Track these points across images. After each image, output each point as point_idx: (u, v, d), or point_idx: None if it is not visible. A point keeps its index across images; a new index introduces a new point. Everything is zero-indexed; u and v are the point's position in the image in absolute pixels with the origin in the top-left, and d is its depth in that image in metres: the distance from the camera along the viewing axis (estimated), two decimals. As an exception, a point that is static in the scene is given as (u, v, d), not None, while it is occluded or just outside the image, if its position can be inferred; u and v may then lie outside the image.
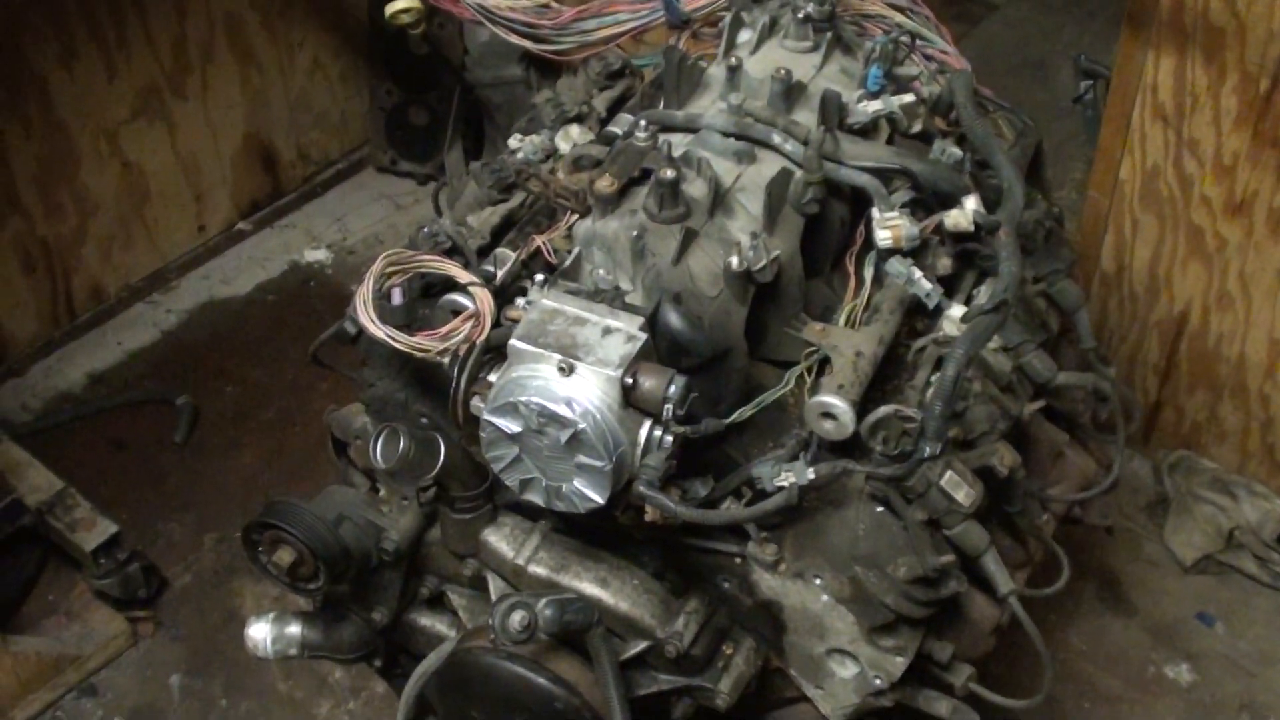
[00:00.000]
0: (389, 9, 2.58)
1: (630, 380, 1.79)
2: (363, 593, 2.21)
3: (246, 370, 3.79)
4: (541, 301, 1.89)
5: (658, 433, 1.83)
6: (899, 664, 2.00)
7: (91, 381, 3.77)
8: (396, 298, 1.97)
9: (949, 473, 1.92)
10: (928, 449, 1.89)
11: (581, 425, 1.78)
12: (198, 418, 3.64)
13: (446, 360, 1.92)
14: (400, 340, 1.89)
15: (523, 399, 1.80)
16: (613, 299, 1.90)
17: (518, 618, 1.87)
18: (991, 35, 5.02)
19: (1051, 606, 3.07)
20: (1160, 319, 3.28)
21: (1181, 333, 3.26)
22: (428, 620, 2.26)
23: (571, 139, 2.33)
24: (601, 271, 1.97)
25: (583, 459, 1.82)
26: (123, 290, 3.98)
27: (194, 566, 3.30)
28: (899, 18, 2.50)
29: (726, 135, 2.12)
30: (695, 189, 1.99)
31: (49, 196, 3.68)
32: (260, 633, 2.26)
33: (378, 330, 1.89)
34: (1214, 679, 3.06)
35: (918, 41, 2.44)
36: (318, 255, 4.17)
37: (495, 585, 2.13)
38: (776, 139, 2.11)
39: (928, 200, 2.14)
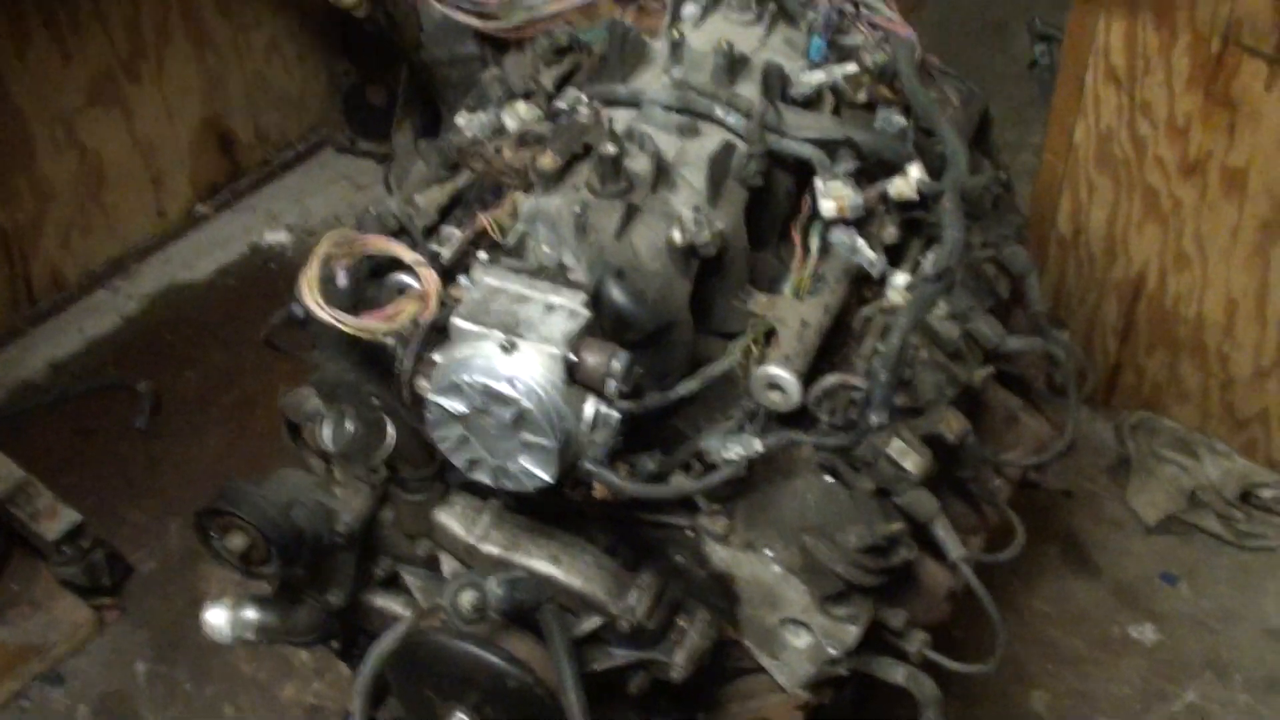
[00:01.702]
0: (331, -10, 2.57)
1: (574, 357, 1.79)
2: (318, 575, 2.21)
3: (208, 354, 3.78)
4: (484, 280, 1.89)
5: (603, 409, 1.83)
6: (852, 632, 2.01)
7: (53, 369, 3.76)
8: (341, 279, 1.96)
9: (896, 441, 1.92)
10: (874, 418, 1.90)
11: (526, 404, 1.78)
12: (160, 403, 3.63)
13: (393, 341, 1.92)
14: (346, 322, 1.88)
15: (466, 378, 1.80)
16: (555, 276, 1.90)
17: (468, 597, 1.87)
18: (952, 1, 5.00)
19: (1014, 570, 3.08)
20: (1118, 280, 3.29)
21: (1139, 294, 3.28)
22: (383, 601, 2.26)
23: (518, 116, 2.30)
24: (545, 248, 1.96)
25: (528, 437, 1.82)
26: (83, 277, 3.96)
27: (158, 552, 3.30)
28: (844, -14, 2.49)
29: (669, 109, 2.11)
30: (637, 164, 1.99)
31: (5, 184, 3.66)
32: (217, 618, 2.25)
33: (323, 313, 1.88)
34: (1178, 638, 3.09)
35: (863, 10, 2.43)
36: (278, 237, 4.16)
37: (448, 565, 2.13)
38: (719, 112, 2.10)
39: (872, 169, 2.13)
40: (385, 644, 2.10)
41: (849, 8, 2.39)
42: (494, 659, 1.96)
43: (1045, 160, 3.29)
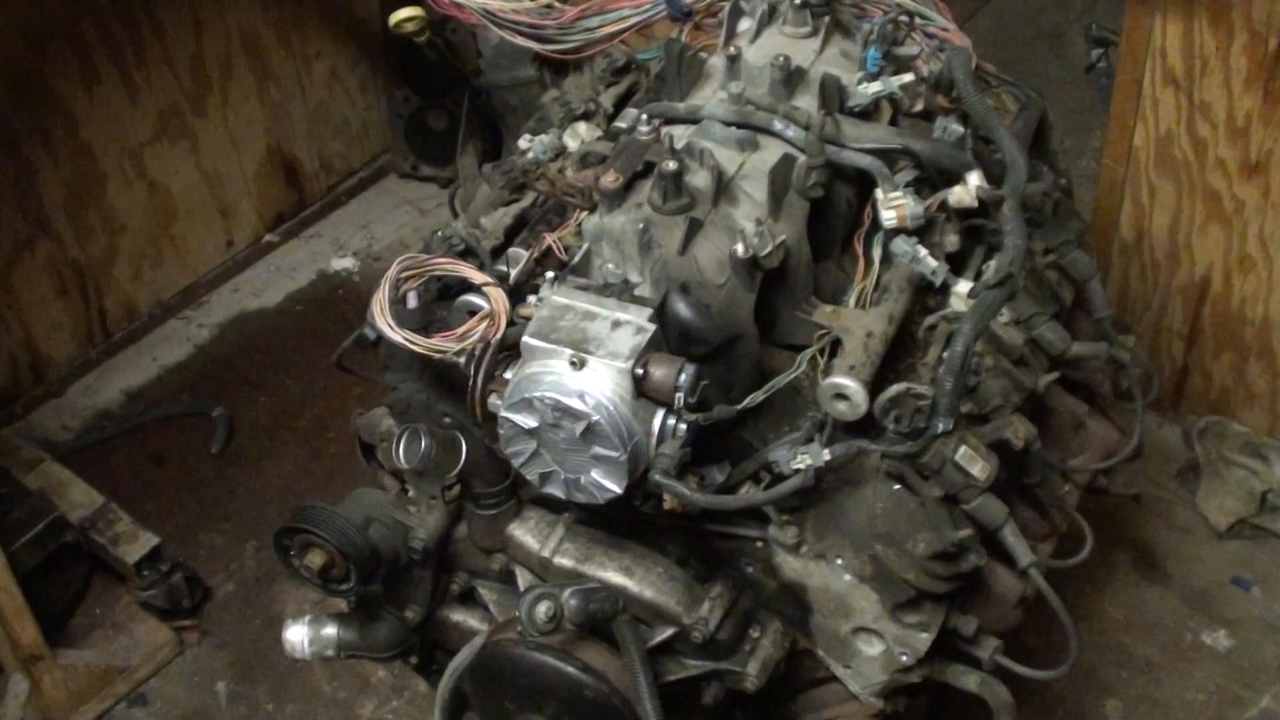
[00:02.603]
0: (393, 18, 2.62)
1: (641, 371, 1.82)
2: (395, 592, 2.25)
3: (279, 380, 3.84)
4: (552, 298, 1.92)
5: (671, 421, 1.86)
6: (924, 640, 2.02)
7: (128, 398, 3.83)
8: (411, 301, 2.01)
9: (963, 447, 1.93)
10: (941, 425, 1.91)
11: (595, 417, 1.81)
12: (234, 429, 3.70)
13: (464, 360, 1.96)
14: (417, 343, 1.93)
15: (537, 394, 1.84)
16: (621, 292, 1.92)
17: (544, 609, 1.90)
18: (1005, 8, 5.01)
19: (1086, 577, 3.08)
20: (1182, 284, 3.28)
21: (1204, 297, 3.26)
22: (460, 616, 2.30)
23: (579, 136, 2.35)
24: (610, 266, 1.99)
25: (598, 450, 1.85)
26: (155, 307, 4.04)
27: (236, 574, 3.35)
28: (899, -2, 2.51)
29: (728, 124, 2.13)
30: (698, 179, 2.01)
31: (78, 219, 3.74)
32: (297, 635, 2.30)
33: (395, 334, 1.93)
34: (1252, 643, 3.06)
35: (917, 20, 2.45)
36: (344, 263, 4.22)
37: (523, 578, 2.16)
38: (778, 125, 2.12)
39: (932, 178, 2.15)
40: (463, 657, 2.15)
41: (904, 18, 2.41)
42: (570, 669, 1.98)
43: (1105, 165, 3.28)
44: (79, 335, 3.88)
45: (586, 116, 2.44)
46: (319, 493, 3.46)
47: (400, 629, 2.28)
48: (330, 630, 2.29)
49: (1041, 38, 4.81)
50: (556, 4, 2.63)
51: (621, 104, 2.48)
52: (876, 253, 2.12)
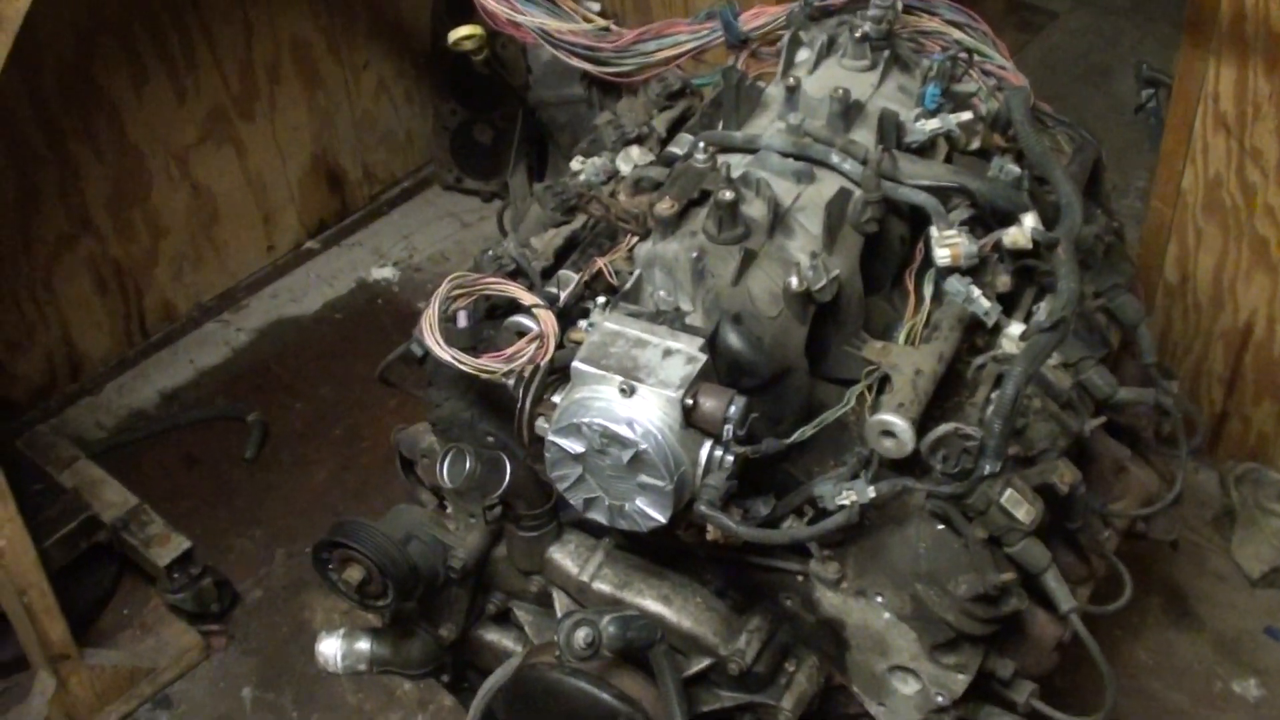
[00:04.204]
0: (452, 36, 2.62)
1: (691, 401, 1.82)
2: (430, 609, 2.25)
3: (315, 387, 3.85)
4: (603, 324, 1.92)
5: (718, 453, 1.86)
6: (961, 681, 2.01)
7: (164, 399, 3.84)
8: (462, 320, 2.01)
9: (1009, 490, 1.92)
10: (987, 467, 1.90)
11: (643, 446, 1.81)
12: (268, 434, 3.70)
13: (511, 381, 1.96)
14: (466, 362, 1.93)
15: (585, 420, 1.83)
16: (673, 320, 1.92)
17: (582, 634, 1.90)
18: (1053, 43, 5.01)
19: (1117, 621, 3.06)
20: (1225, 329, 3.27)
21: (1246, 343, 3.25)
22: (494, 636, 2.29)
23: (632, 160, 2.35)
24: (662, 293, 1.99)
25: (644, 479, 1.84)
26: (194, 309, 4.05)
27: (265, 581, 3.35)
28: (957, 34, 2.51)
29: (785, 155, 2.14)
30: (754, 209, 2.01)
31: (121, 218, 3.75)
32: (330, 648, 2.30)
33: (443, 353, 1.93)
34: (1282, 693, 3.05)
35: (975, 57, 2.45)
36: (384, 273, 4.22)
37: (560, 601, 2.16)
38: (835, 158, 2.13)
39: (986, 218, 2.14)
40: (498, 678, 2.15)
41: (962, 55, 2.40)
42: (606, 696, 1.98)
43: (1153, 207, 3.27)
44: (117, 334, 3.89)
45: (639, 140, 2.44)
46: (350, 502, 3.46)
47: (434, 646, 2.28)
48: (363, 645, 2.29)
49: (1089, 73, 4.80)
50: (613, 27, 2.64)
51: (675, 129, 2.49)
52: (928, 290, 2.12)
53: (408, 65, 4.33)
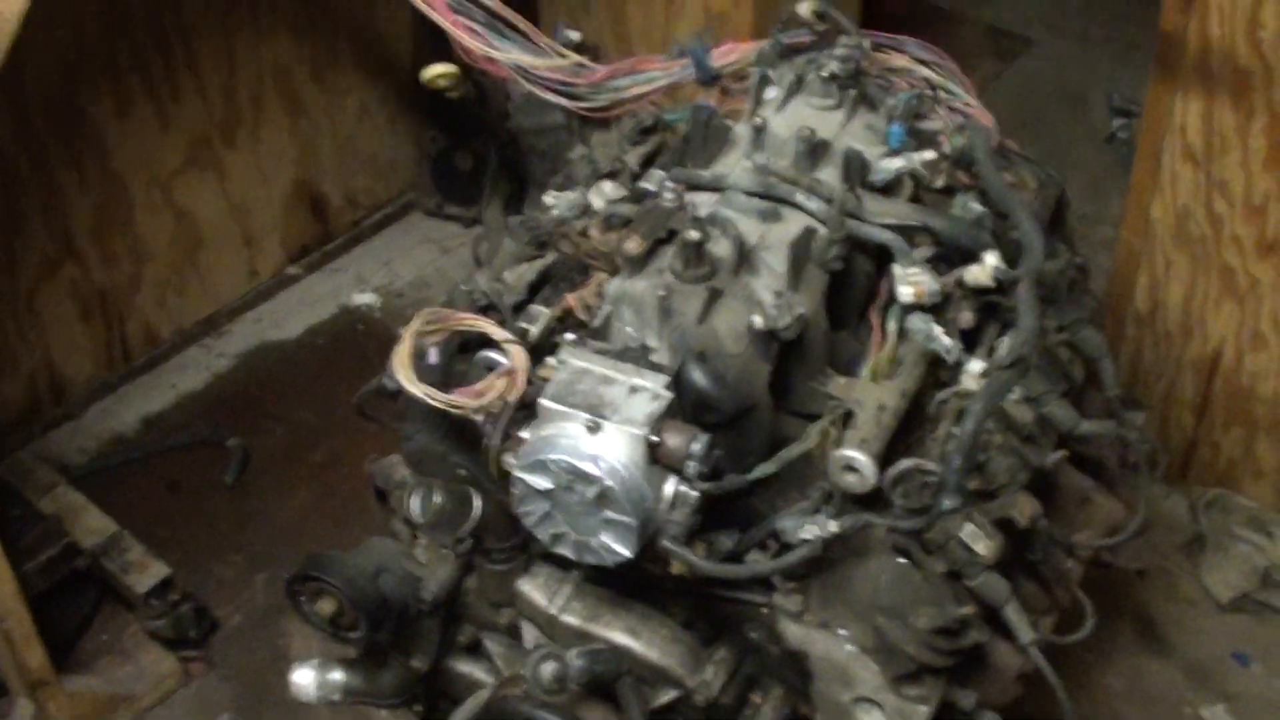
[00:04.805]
0: (425, 74, 2.66)
1: (655, 438, 1.85)
2: (403, 640, 2.28)
3: (297, 412, 3.86)
4: (571, 361, 1.95)
5: (683, 489, 1.89)
6: (923, 713, 2.04)
7: (145, 424, 3.86)
8: (432, 356, 2.04)
9: (969, 525, 1.96)
10: (947, 502, 1.94)
11: (608, 483, 1.84)
12: (248, 460, 3.72)
13: (481, 417, 1.99)
14: (436, 398, 1.96)
15: (552, 457, 1.87)
16: (639, 358, 1.96)
17: (549, 669, 1.93)
18: (1029, 70, 5.04)
19: (1088, 647, 3.05)
20: (1194, 357, 3.30)
21: (1215, 371, 3.29)
22: (466, 667, 2.32)
23: (604, 195, 2.38)
24: (630, 330, 2.03)
25: (610, 514, 1.88)
26: (176, 335, 4.07)
27: (244, 607, 3.37)
28: (924, 71, 2.54)
29: (751, 194, 2.17)
30: (720, 248, 2.05)
31: (104, 244, 3.78)
32: (305, 679, 2.33)
33: (414, 388, 1.96)
34: (1251, 719, 3.07)
35: (941, 95, 2.49)
36: (366, 298, 4.24)
37: (530, 633, 2.19)
38: (800, 198, 2.16)
39: (950, 255, 2.18)
40: (467, 710, 2.17)
41: (928, 93, 2.44)
42: (573, 729, 2.01)
43: (1123, 237, 3.31)
44: (99, 359, 3.91)
45: (612, 175, 2.47)
46: (330, 528, 3.48)
47: (407, 677, 2.31)
48: (337, 675, 2.32)
49: (1065, 100, 4.84)
50: (588, 63, 2.68)
51: (647, 163, 2.52)
52: (892, 326, 2.15)
53: (390, 92, 4.35)
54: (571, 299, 2.15)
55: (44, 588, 3.05)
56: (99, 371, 3.92)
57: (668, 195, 2.11)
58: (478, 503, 2.08)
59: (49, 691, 2.98)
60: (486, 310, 2.20)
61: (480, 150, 4.23)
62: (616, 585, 2.15)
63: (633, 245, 2.03)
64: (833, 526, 1.95)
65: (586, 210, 2.36)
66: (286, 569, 2.17)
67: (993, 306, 2.22)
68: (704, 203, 2.17)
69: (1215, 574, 3.30)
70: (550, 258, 2.32)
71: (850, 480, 1.95)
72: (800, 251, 2.09)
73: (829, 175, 2.23)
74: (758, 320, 1.98)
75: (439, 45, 3.15)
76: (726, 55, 2.60)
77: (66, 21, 3.44)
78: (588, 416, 1.86)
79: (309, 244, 4.34)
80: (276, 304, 4.23)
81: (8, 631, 2.83)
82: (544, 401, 1.90)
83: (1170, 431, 3.42)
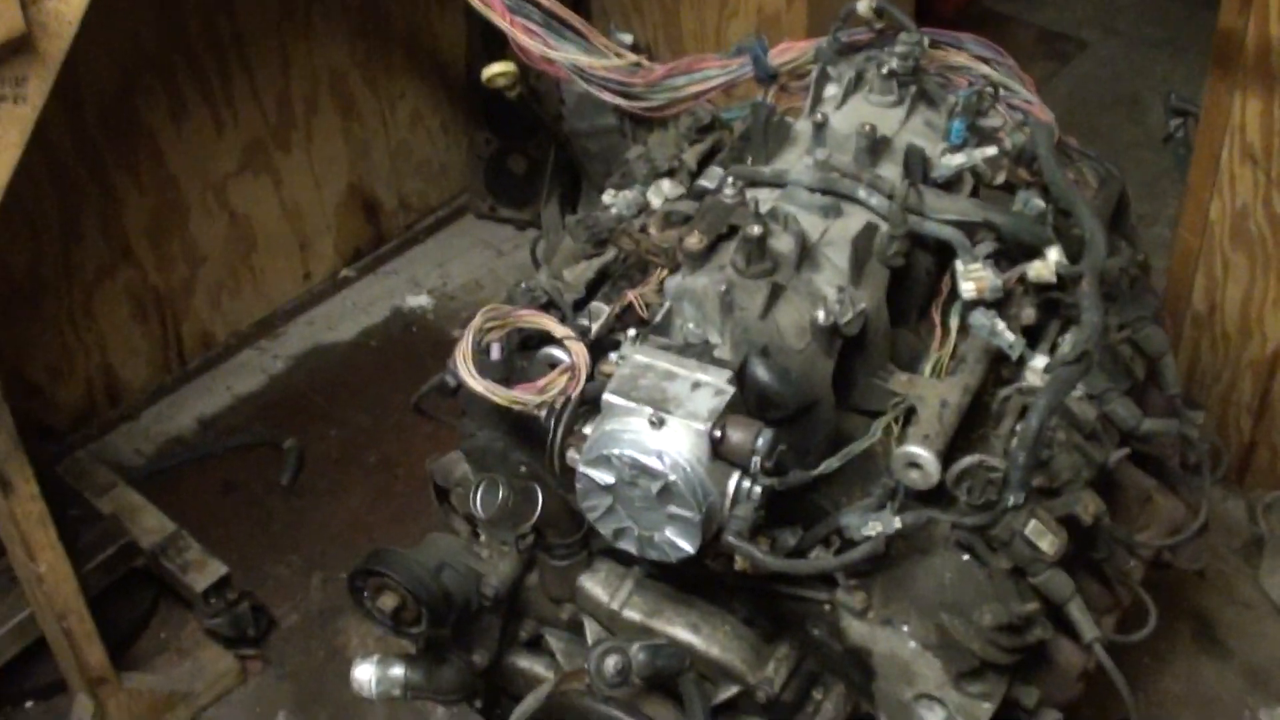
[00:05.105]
0: (485, 73, 2.66)
1: (719, 433, 1.85)
2: (464, 636, 2.28)
3: (351, 414, 3.89)
4: (633, 356, 1.95)
5: (746, 484, 1.88)
6: (985, 710, 2.03)
7: (201, 426, 3.89)
8: (495, 353, 2.05)
9: (1033, 521, 1.95)
10: (1011, 499, 1.93)
11: (672, 477, 1.84)
12: (304, 461, 3.74)
13: (543, 413, 1.99)
14: (498, 394, 1.96)
15: (615, 452, 1.87)
16: (701, 353, 1.96)
17: (612, 662, 1.93)
18: (1083, 72, 5.03)
19: (1145, 650, 3.07)
20: (1253, 359, 3.28)
21: (1274, 372, 3.26)
22: (526, 663, 2.33)
23: (663, 193, 2.39)
24: (691, 326, 2.03)
25: (673, 509, 1.87)
26: (231, 337, 4.10)
27: (301, 606, 3.39)
28: (983, 69, 2.54)
29: (812, 190, 2.17)
30: (782, 244, 2.05)
31: (160, 247, 3.81)
32: (365, 674, 2.33)
33: (476, 384, 1.96)
34: (1310, 722, 3.05)
35: (1001, 92, 2.48)
36: (419, 301, 4.26)
37: (591, 629, 2.19)
38: (862, 194, 2.16)
39: (1011, 251, 2.17)
40: (529, 705, 2.18)
41: (988, 90, 2.44)
42: (635, 724, 2.01)
43: (1180, 237, 3.29)
44: (155, 361, 3.94)
45: (670, 174, 2.47)
46: (386, 529, 3.50)
47: (467, 673, 2.32)
48: (398, 671, 2.33)
49: (1119, 102, 4.82)
50: (645, 62, 2.68)
51: (705, 162, 2.52)
52: (954, 322, 2.15)
53: (443, 96, 4.38)
54: (632, 295, 2.16)
55: (103, 587, 3.08)
56: (155, 374, 3.95)
57: (728, 191, 2.12)
58: (540, 498, 2.08)
59: (108, 689, 3.00)
60: (547, 308, 2.20)
61: (533, 153, 4.25)
62: (678, 581, 2.15)
63: (694, 241, 2.03)
64: (896, 523, 1.94)
65: (645, 208, 2.37)
66: (342, 569, 2.18)
67: (1054, 303, 2.21)
68: (765, 199, 2.17)
69: (1275, 577, 3.27)
70: (609, 255, 2.32)
71: (913, 476, 1.95)
72: (862, 247, 2.09)
73: (890, 171, 2.23)
74: (820, 316, 1.97)
75: (493, 48, 3.17)
76: (784, 53, 2.60)
77: (122, 26, 3.48)
78: (651, 411, 1.86)
79: (362, 247, 4.36)
80: (330, 306, 4.26)
81: (69, 630, 2.86)
82: (607, 396, 1.90)
83: (1229, 434, 3.39)
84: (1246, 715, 3.06)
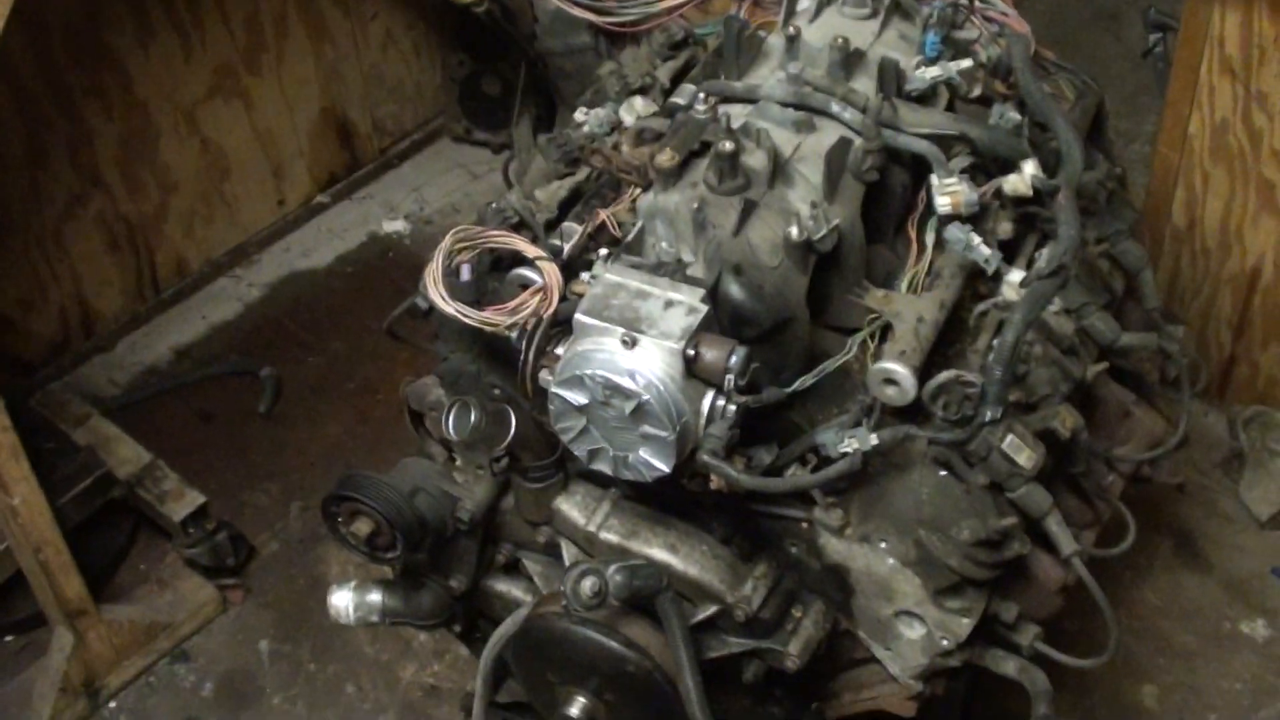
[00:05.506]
0: (453, -12, 2.62)
1: (692, 352, 1.82)
2: (440, 561, 2.27)
3: (328, 341, 3.87)
4: (605, 276, 1.93)
5: (720, 402, 1.86)
6: (965, 625, 2.03)
7: (177, 355, 3.87)
8: (465, 274, 2.02)
9: (1010, 436, 1.94)
10: (989, 413, 1.92)
11: (645, 397, 1.82)
12: (281, 389, 3.73)
13: (515, 334, 1.97)
14: (469, 316, 1.93)
15: (588, 372, 1.84)
16: (674, 272, 1.93)
17: (589, 584, 1.92)
18: (1063, -13, 4.98)
19: (1126, 563, 3.08)
20: (1233, 274, 3.27)
21: (1254, 287, 3.25)
22: (504, 586, 2.32)
23: (635, 111, 2.35)
24: (664, 244, 2.00)
25: (648, 429, 1.86)
26: (205, 265, 4.07)
27: (280, 534, 3.39)
28: (959, -21, 2.50)
29: (785, 105, 2.14)
30: (754, 160, 2.01)
31: (131, 175, 3.77)
32: (342, 600, 2.32)
33: (447, 306, 1.94)
34: (1290, 634, 3.07)
35: (977, 4, 2.44)
36: (395, 226, 4.23)
37: (568, 552, 2.18)
38: (835, 108, 2.13)
39: (987, 165, 2.15)
40: (507, 628, 2.17)
41: (964, 2, 2.40)
42: (614, 644, 2.00)
43: (1159, 152, 3.27)
44: (129, 291, 3.91)
45: (643, 91, 2.44)
46: (365, 455, 3.49)
47: (444, 597, 2.31)
48: (375, 597, 2.31)
49: (1099, 18, 4.77)
50: (617, -24, 2.64)
51: (678, 79, 2.48)
52: (930, 238, 2.12)
53: (415, 16, 4.32)
54: (604, 214, 2.12)
55: (80, 519, 3.08)
56: (129, 303, 3.93)
57: (700, 107, 2.08)
58: (514, 420, 2.06)
59: (88, 621, 3.00)
60: (518, 228, 2.17)
61: (507, 74, 4.20)
62: (655, 502, 2.13)
63: (666, 158, 1.99)
64: (873, 439, 1.92)
65: (618, 126, 2.33)
66: (321, 496, 2.16)
67: (1031, 217, 2.19)
68: (737, 114, 2.13)
69: (1255, 491, 3.28)
70: (582, 174, 2.29)
71: (890, 393, 1.93)
72: (836, 162, 2.06)
73: (864, 85, 2.19)
74: (794, 232, 1.95)
75: (467, -38, 3.13)
76: (758, -33, 2.56)
77: (87, -50, 3.42)
78: (624, 331, 1.84)
79: (337, 172, 4.32)
80: (305, 233, 4.23)
81: (45, 562, 2.85)
82: (579, 317, 1.87)
83: (1209, 349, 3.39)
84: (1226, 627, 3.08)
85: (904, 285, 2.09)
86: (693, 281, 1.91)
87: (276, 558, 3.34)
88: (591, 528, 2.12)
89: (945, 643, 2.06)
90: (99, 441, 3.27)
